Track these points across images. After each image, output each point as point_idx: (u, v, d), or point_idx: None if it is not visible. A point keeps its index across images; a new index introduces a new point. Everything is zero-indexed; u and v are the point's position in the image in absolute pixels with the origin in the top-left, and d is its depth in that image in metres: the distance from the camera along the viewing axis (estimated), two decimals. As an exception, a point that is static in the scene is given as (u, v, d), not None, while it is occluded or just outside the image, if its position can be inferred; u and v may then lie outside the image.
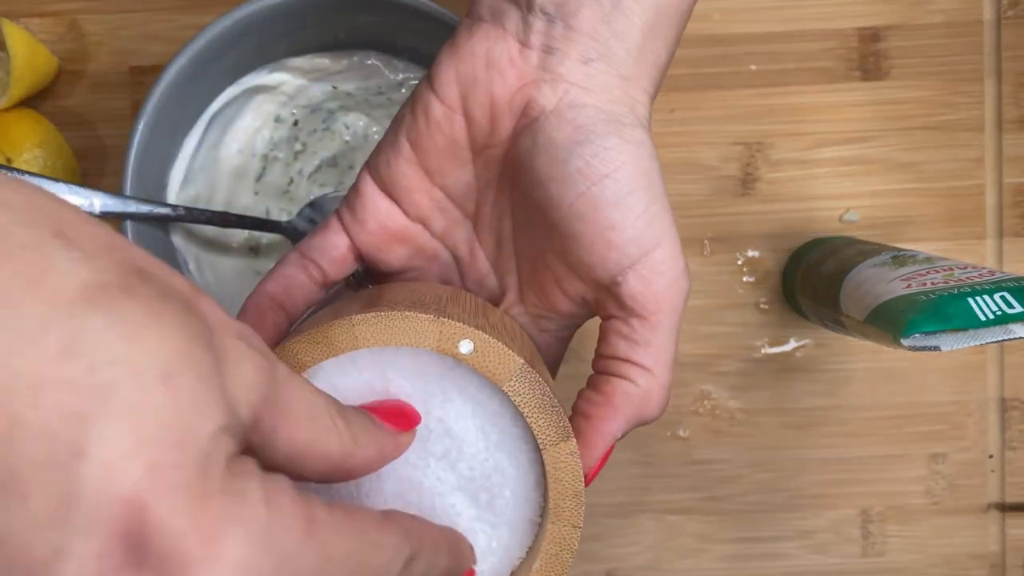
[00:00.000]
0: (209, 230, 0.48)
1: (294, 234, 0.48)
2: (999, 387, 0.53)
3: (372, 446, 0.27)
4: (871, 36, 0.52)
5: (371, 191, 0.35)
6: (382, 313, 0.29)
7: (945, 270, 0.39)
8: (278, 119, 0.49)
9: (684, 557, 0.53)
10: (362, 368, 0.30)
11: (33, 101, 0.51)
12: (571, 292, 0.34)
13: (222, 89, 0.47)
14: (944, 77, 0.52)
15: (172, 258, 0.48)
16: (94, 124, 0.52)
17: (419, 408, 0.30)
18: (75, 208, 0.21)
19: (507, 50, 0.32)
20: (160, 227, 0.47)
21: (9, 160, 0.48)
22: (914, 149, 0.52)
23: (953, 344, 0.34)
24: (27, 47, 0.48)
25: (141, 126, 0.43)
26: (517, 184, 0.34)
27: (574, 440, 0.30)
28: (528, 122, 0.33)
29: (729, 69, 0.52)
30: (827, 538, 0.53)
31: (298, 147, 0.49)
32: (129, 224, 0.44)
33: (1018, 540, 0.53)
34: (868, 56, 0.52)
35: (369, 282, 0.38)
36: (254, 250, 0.49)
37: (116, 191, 0.43)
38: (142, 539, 0.19)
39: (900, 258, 0.42)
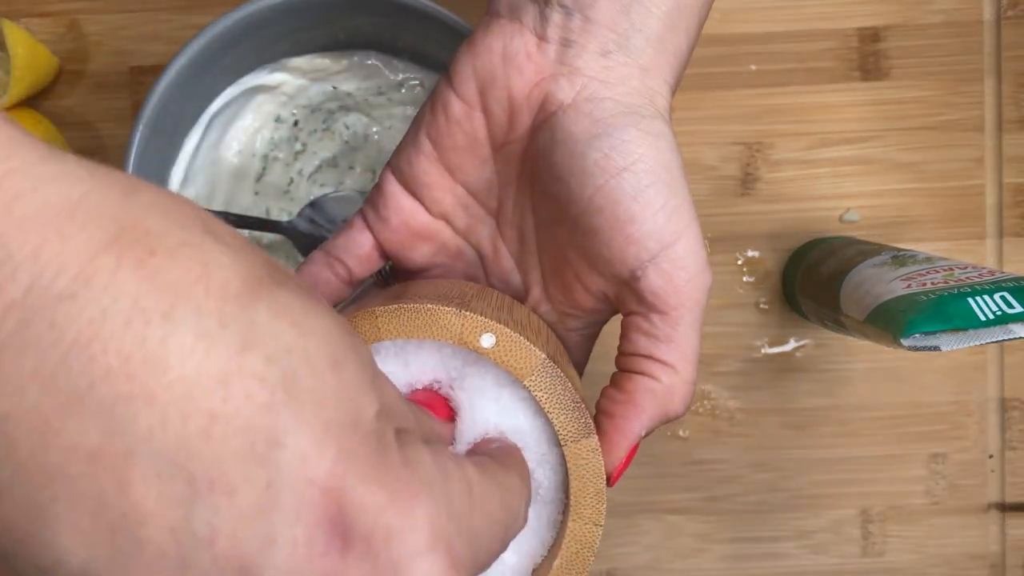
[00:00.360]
0: (209, 230, 0.48)
1: (294, 234, 0.48)
2: (999, 387, 0.53)
3: (432, 436, 0.27)
4: (871, 36, 0.52)
5: (394, 189, 0.35)
6: (404, 305, 0.29)
7: (945, 270, 0.39)
8: (278, 119, 0.49)
9: (684, 557, 0.53)
10: (385, 359, 0.30)
11: (33, 101, 0.51)
12: (592, 288, 0.34)
13: (222, 89, 0.47)
14: (944, 77, 0.52)
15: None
16: (94, 124, 0.52)
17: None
18: (206, 210, 0.21)
19: (524, 45, 0.32)
20: (160, 227, 0.47)
21: (9, 160, 0.48)
22: (914, 149, 0.52)
23: (953, 344, 0.34)
24: (27, 47, 0.48)
25: (141, 126, 0.43)
26: (537, 180, 0.34)
27: (596, 437, 0.30)
28: (546, 117, 0.33)
29: (729, 69, 0.52)
30: (827, 538, 0.53)
31: (298, 147, 0.49)
32: (129, 224, 0.44)
33: (1018, 540, 0.53)
34: (868, 56, 0.52)
35: (395, 280, 0.38)
36: (254, 250, 0.49)
37: (116, 191, 0.43)
38: (344, 521, 0.19)
39: (900, 258, 0.42)
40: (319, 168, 0.49)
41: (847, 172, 0.52)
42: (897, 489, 0.53)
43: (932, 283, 0.37)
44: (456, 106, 0.34)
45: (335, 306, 0.36)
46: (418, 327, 0.29)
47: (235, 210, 0.48)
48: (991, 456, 0.53)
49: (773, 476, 0.53)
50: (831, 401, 0.53)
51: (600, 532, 0.30)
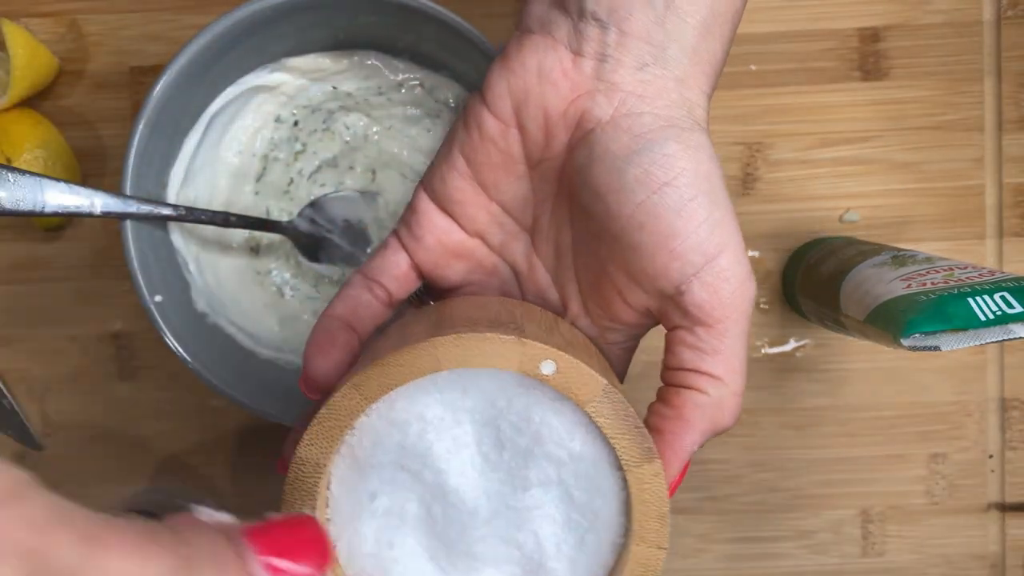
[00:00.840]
0: (209, 230, 0.48)
1: (294, 234, 0.48)
2: (999, 387, 0.53)
3: None
4: (871, 36, 0.52)
5: (427, 208, 0.35)
6: (463, 335, 0.28)
7: (945, 270, 0.39)
8: (278, 119, 0.49)
9: (684, 557, 0.53)
10: (443, 388, 0.30)
11: (33, 101, 0.51)
12: (634, 303, 0.33)
13: (222, 89, 0.47)
14: (944, 77, 0.52)
15: (172, 258, 0.48)
16: (94, 124, 0.52)
17: (506, 430, 0.30)
18: None
19: (559, 61, 0.32)
20: (160, 227, 0.47)
21: (9, 160, 0.48)
22: (914, 149, 0.52)
23: (953, 344, 0.34)
24: (27, 47, 0.48)
25: (141, 126, 0.43)
26: (575, 197, 0.34)
27: (659, 460, 0.29)
28: (583, 134, 0.32)
29: (729, 69, 0.52)
30: (827, 538, 0.53)
31: (298, 147, 0.49)
32: (129, 224, 0.44)
33: (1018, 540, 0.53)
34: (868, 56, 0.52)
35: (430, 298, 0.38)
36: (254, 250, 0.49)
37: (116, 191, 0.43)
38: None
39: (900, 258, 0.42)
40: (319, 168, 0.49)
41: (847, 172, 0.52)
42: (897, 489, 0.53)
43: (932, 283, 0.37)
44: (490, 123, 0.33)
45: (376, 328, 0.36)
46: (478, 357, 0.28)
47: (235, 210, 0.48)
48: (991, 456, 0.53)
49: (773, 476, 0.53)
50: (831, 401, 0.53)
51: (664, 555, 0.30)
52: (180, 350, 0.44)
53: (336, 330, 0.35)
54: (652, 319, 0.34)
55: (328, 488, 0.31)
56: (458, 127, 0.34)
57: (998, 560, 0.53)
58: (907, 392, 0.53)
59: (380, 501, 0.31)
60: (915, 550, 0.53)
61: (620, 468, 0.30)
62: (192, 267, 0.48)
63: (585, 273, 0.34)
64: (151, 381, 0.53)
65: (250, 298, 0.49)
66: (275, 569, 0.23)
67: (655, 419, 0.32)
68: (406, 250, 0.36)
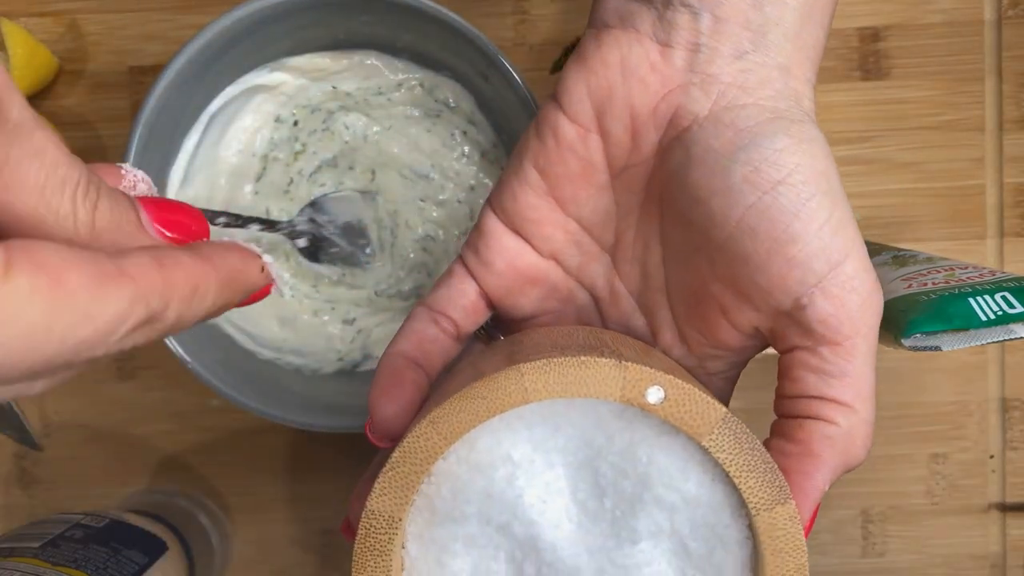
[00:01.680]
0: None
1: (294, 234, 0.48)
2: (1000, 387, 0.53)
3: (117, 244, 0.23)
4: (871, 36, 0.52)
5: (496, 228, 0.32)
6: (554, 360, 0.25)
7: (946, 270, 0.39)
8: (278, 119, 0.49)
9: (684, 557, 0.53)
10: (531, 424, 0.26)
11: (33, 101, 0.51)
12: (742, 323, 0.30)
13: (221, 89, 0.47)
14: (944, 77, 0.52)
15: (172, 258, 0.48)
16: (94, 124, 0.52)
17: (606, 473, 0.26)
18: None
19: (646, 54, 0.29)
20: (160, 227, 0.47)
21: (9, 160, 0.48)
22: (914, 149, 0.52)
23: (954, 344, 0.34)
24: (27, 47, 0.48)
25: (141, 126, 0.43)
26: (669, 205, 0.30)
27: (793, 502, 0.25)
28: (677, 133, 0.29)
29: (729, 69, 0.52)
30: (827, 538, 0.53)
31: (298, 147, 0.49)
32: (129, 224, 0.44)
33: (1018, 540, 0.53)
34: (868, 56, 0.52)
35: (499, 332, 0.34)
36: (254, 250, 0.49)
37: (116, 191, 0.43)
38: None
39: (900, 258, 0.42)
40: (319, 168, 0.49)
41: (847, 172, 0.52)
42: (897, 489, 0.53)
43: (933, 283, 0.37)
44: (568, 129, 0.30)
45: (444, 365, 0.32)
46: (573, 384, 0.25)
47: (235, 210, 0.48)
48: (992, 456, 0.53)
49: (773, 476, 0.53)
50: (831, 401, 0.53)
51: None
52: (179, 350, 0.44)
53: (403, 368, 0.31)
54: (761, 341, 0.30)
55: (403, 547, 0.27)
56: (528, 137, 0.31)
57: (998, 560, 0.53)
58: (907, 392, 0.53)
59: (463, 561, 0.27)
60: (915, 550, 0.53)
61: (746, 512, 0.26)
62: (192, 267, 0.48)
63: (680, 294, 0.31)
64: (151, 381, 0.53)
65: (250, 298, 0.49)
66: (159, 230, 0.24)
67: (776, 457, 0.28)
68: (473, 277, 0.32)
